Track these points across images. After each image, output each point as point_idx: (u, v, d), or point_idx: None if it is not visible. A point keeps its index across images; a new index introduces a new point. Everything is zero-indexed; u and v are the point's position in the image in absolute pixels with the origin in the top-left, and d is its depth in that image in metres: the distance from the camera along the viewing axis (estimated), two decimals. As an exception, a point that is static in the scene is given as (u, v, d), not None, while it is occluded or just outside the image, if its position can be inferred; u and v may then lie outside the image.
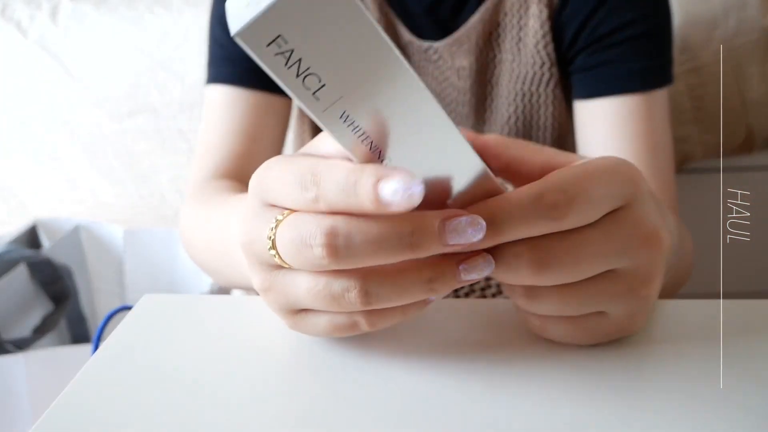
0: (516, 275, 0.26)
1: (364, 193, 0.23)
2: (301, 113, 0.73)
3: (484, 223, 0.25)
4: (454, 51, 0.63)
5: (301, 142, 0.75)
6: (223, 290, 0.85)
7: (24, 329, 0.83)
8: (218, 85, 0.63)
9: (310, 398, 0.28)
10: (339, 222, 0.24)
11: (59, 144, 1.08)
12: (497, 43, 0.63)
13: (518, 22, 0.62)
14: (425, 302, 0.27)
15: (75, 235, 0.99)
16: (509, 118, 0.64)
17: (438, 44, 0.64)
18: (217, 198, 0.53)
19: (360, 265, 0.25)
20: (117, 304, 1.01)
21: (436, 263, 0.26)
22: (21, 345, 0.76)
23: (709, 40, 0.95)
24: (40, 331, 0.82)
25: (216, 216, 0.48)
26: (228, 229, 0.42)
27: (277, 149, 0.65)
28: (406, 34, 0.64)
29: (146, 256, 1.00)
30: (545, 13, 0.61)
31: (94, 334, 0.94)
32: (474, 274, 0.26)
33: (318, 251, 0.24)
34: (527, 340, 0.32)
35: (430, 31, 0.64)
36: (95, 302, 1.01)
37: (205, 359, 0.31)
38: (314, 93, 0.22)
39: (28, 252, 0.88)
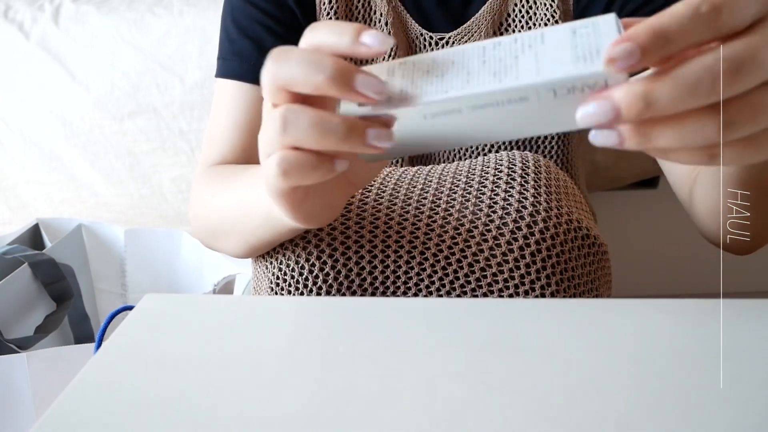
0: (702, 134, 0.28)
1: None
2: None
3: (378, 89, 0.31)
4: (464, 41, 0.64)
5: None
6: (224, 291, 0.85)
7: (26, 329, 0.84)
8: (226, 79, 0.64)
9: (310, 398, 0.28)
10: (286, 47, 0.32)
11: (61, 144, 1.08)
12: (507, 33, 0.64)
13: (527, 11, 0.63)
14: (331, 161, 0.33)
15: (77, 235, 0.99)
16: None
17: (448, 36, 0.64)
18: (239, 168, 0.58)
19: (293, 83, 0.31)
20: (118, 304, 1.01)
21: (352, 120, 0.31)
22: (23, 344, 0.77)
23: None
24: (43, 330, 0.82)
25: (244, 176, 0.52)
26: (251, 181, 0.48)
27: None
28: (415, 27, 0.65)
29: (147, 256, 1.00)
30: (557, 1, 0.61)
31: (95, 334, 0.94)
32: (375, 139, 0.31)
33: (269, 60, 0.33)
34: (527, 340, 0.32)
35: (441, 23, 0.65)
36: (97, 302, 1.01)
37: (206, 358, 0.31)
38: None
39: (31, 252, 0.89)
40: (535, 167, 0.51)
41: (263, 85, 0.33)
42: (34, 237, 0.99)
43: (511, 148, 0.68)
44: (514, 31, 0.64)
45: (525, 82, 0.29)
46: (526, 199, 0.47)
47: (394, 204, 0.49)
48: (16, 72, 1.07)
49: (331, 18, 0.65)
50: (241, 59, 0.63)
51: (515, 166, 0.51)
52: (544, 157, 0.65)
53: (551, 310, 0.35)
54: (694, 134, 0.28)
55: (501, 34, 0.65)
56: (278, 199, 0.37)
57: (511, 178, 0.49)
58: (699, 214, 0.54)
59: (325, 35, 0.32)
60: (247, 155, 0.63)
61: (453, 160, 0.68)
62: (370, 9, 0.66)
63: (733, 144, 0.29)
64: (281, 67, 0.32)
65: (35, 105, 1.07)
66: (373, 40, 0.31)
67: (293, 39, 0.64)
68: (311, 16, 0.65)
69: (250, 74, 0.63)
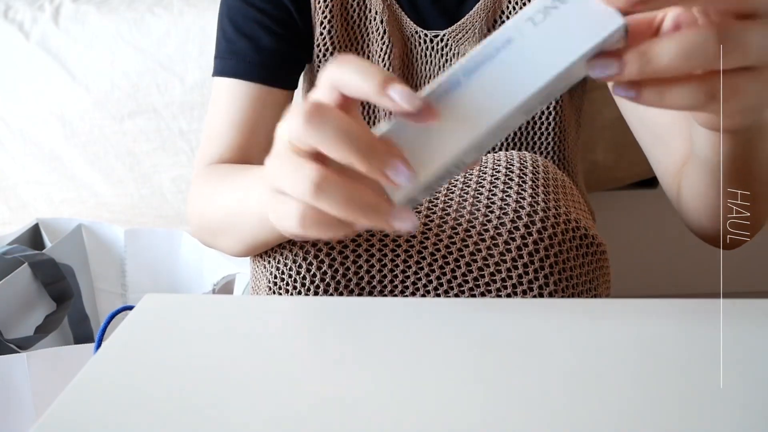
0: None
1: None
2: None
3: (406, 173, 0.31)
4: (459, 38, 0.64)
5: None
6: (224, 291, 0.85)
7: (26, 329, 0.83)
8: (223, 78, 0.64)
9: (310, 397, 0.28)
10: (323, 106, 0.31)
11: (61, 144, 1.08)
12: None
13: (522, 8, 0.63)
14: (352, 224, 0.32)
15: (77, 235, 0.99)
16: None
17: (443, 33, 0.65)
18: (236, 167, 0.58)
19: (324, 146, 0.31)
20: (118, 304, 1.01)
21: (376, 194, 0.31)
22: (23, 344, 0.76)
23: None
24: (43, 330, 0.82)
25: (241, 176, 0.52)
26: (249, 183, 0.48)
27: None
28: (410, 25, 0.66)
29: (147, 256, 1.00)
30: None
31: (95, 334, 0.94)
32: (401, 221, 0.32)
33: (300, 117, 0.31)
34: (527, 340, 0.32)
35: (436, 21, 0.66)
36: (97, 302, 1.01)
37: (205, 358, 0.31)
38: (527, 18, 0.31)
39: (31, 252, 0.89)
40: (533, 167, 0.51)
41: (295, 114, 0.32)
42: (34, 237, 0.99)
43: (508, 147, 0.68)
44: None
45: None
46: (524, 198, 0.47)
47: None
48: (16, 72, 1.07)
49: (326, 16, 0.65)
50: (238, 58, 0.64)
51: (513, 165, 0.51)
52: (541, 156, 0.65)
53: (550, 309, 0.35)
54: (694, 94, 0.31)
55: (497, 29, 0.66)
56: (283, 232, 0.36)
57: (509, 178, 0.49)
58: (687, 208, 0.54)
59: (350, 75, 0.31)
60: (245, 153, 0.63)
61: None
62: (365, 7, 0.66)
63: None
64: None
65: (35, 105, 1.06)
66: (399, 96, 0.30)
67: (289, 37, 0.65)
68: (306, 14, 0.66)
69: (247, 72, 0.63)
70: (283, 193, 0.33)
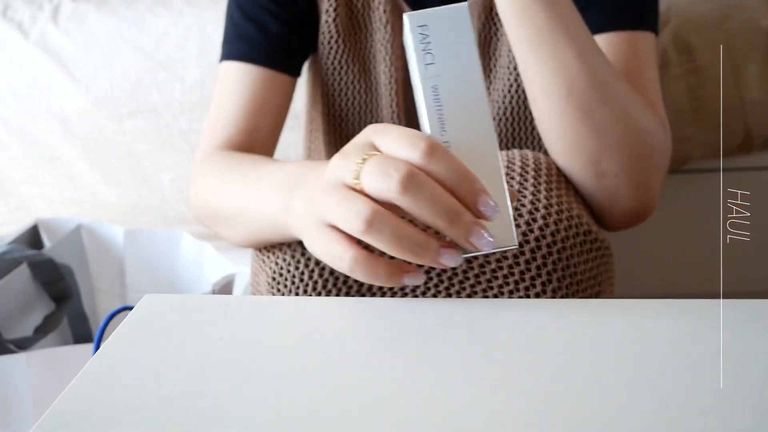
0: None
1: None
2: (314, 95, 0.76)
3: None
4: None
5: (310, 121, 0.79)
6: (224, 291, 0.85)
7: (25, 329, 0.83)
8: (230, 62, 0.66)
9: (309, 398, 0.28)
10: (418, 173, 0.32)
11: (60, 144, 1.08)
12: (498, 17, 0.65)
13: None
14: (401, 276, 0.35)
15: (76, 235, 0.99)
16: (509, 88, 0.66)
17: None
18: (247, 159, 0.58)
19: (411, 209, 0.33)
20: (118, 304, 1.01)
21: (430, 237, 0.33)
22: (22, 345, 0.76)
23: (709, 42, 0.95)
24: (42, 330, 0.82)
25: (254, 171, 0.52)
26: (263, 181, 0.49)
27: (279, 127, 0.68)
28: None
29: (147, 256, 1.00)
30: None
31: (95, 334, 0.94)
32: (447, 260, 0.34)
33: (394, 181, 0.32)
34: (526, 340, 0.32)
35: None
36: (96, 302, 1.01)
37: (205, 359, 0.31)
38: (426, 64, 0.35)
39: (30, 252, 0.88)
40: (536, 165, 0.51)
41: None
42: (33, 237, 0.99)
43: (509, 145, 0.68)
44: None
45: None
46: (525, 197, 0.47)
47: None
48: (16, 71, 1.07)
49: (332, 4, 0.67)
50: (245, 42, 0.65)
51: (515, 164, 0.51)
52: (544, 154, 0.66)
53: (551, 309, 0.35)
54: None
55: (493, 18, 0.66)
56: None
57: (510, 177, 0.49)
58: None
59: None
60: (252, 138, 0.63)
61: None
62: None
63: None
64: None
65: (35, 105, 1.06)
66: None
67: (295, 24, 0.66)
68: (312, 2, 0.68)
69: (255, 56, 0.64)
70: (334, 227, 0.35)
